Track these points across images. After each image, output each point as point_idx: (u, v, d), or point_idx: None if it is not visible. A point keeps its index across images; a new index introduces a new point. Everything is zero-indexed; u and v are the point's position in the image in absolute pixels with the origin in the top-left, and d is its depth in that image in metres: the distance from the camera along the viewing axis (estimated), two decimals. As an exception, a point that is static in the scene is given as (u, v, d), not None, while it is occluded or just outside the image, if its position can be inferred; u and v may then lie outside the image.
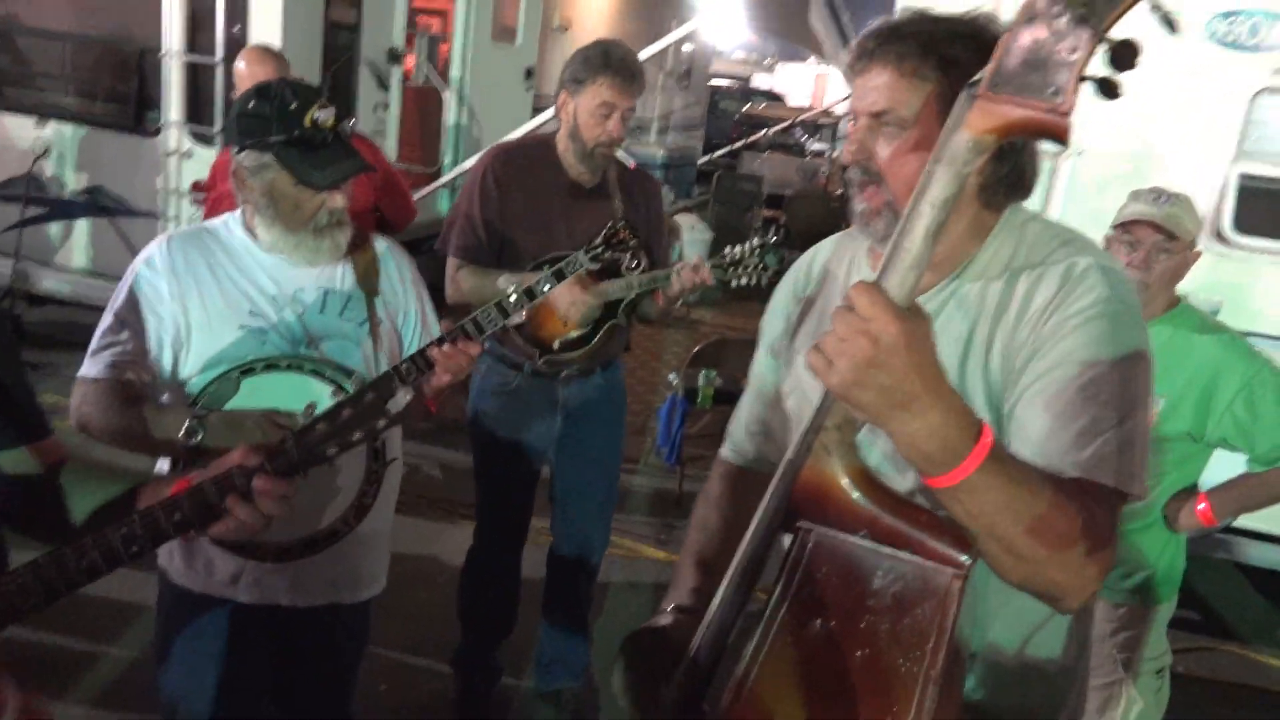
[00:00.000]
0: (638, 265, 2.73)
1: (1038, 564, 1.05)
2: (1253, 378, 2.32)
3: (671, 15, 9.49)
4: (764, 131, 14.13)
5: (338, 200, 1.88)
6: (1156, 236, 2.33)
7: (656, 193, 3.02)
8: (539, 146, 2.86)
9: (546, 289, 2.11)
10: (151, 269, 1.87)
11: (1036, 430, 1.17)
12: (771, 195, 11.31)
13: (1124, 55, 0.89)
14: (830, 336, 0.97)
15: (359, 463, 1.79)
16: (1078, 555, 1.06)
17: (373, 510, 1.83)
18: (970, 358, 1.26)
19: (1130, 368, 1.18)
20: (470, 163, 5.65)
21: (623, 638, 1.34)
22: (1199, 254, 2.43)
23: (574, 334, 2.77)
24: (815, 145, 16.77)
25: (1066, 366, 1.17)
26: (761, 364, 1.61)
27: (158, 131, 5.19)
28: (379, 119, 5.89)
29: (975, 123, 0.94)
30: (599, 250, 2.36)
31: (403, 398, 1.47)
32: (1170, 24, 0.91)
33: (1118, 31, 0.89)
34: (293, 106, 1.82)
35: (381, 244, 2.09)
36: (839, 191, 12.14)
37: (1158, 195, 2.38)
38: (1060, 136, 0.93)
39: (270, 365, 1.79)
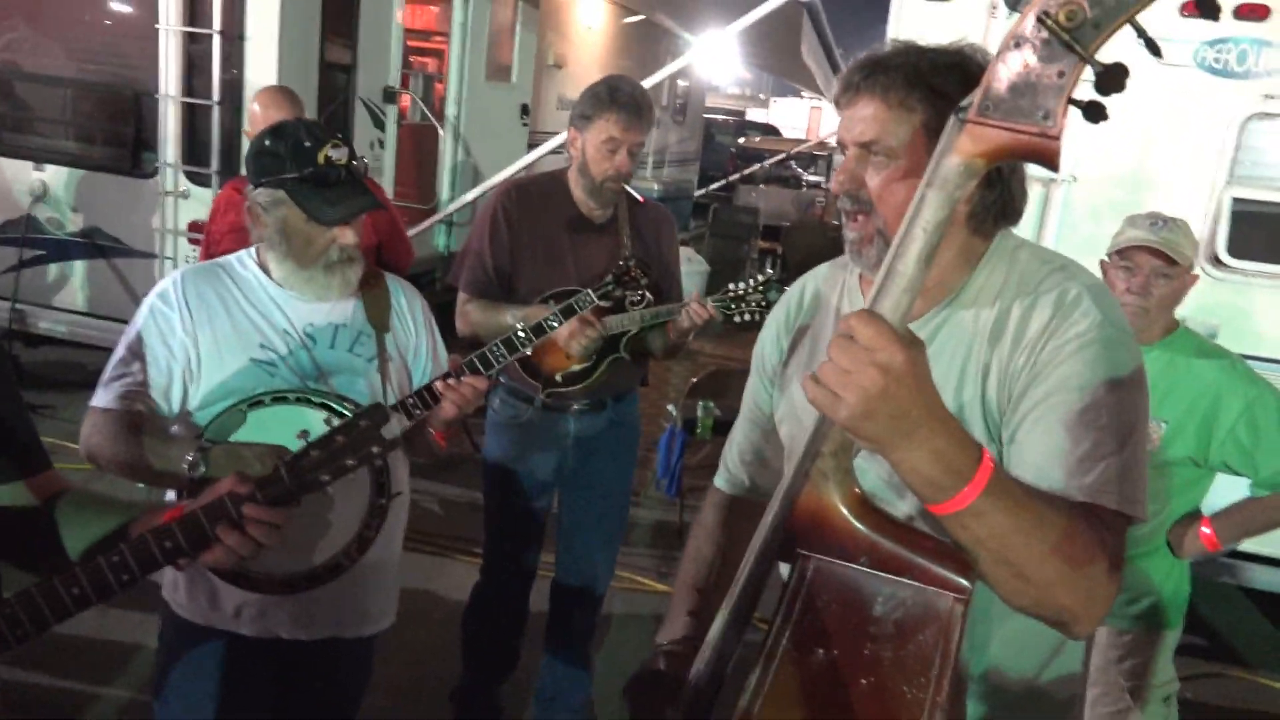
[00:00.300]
0: (642, 300, 2.75)
1: (1048, 588, 1.05)
2: (1254, 401, 2.31)
3: (666, 51, 9.59)
4: (760, 164, 14.23)
5: (349, 236, 1.92)
6: (1155, 262, 2.33)
7: (670, 227, 3.04)
8: (551, 182, 2.89)
9: (556, 325, 2.13)
10: (165, 302, 1.90)
11: (1038, 456, 1.17)
12: (768, 227, 11.36)
13: (1111, 79, 0.89)
14: (830, 368, 0.96)
15: (362, 496, 1.80)
16: (1090, 578, 1.06)
17: (377, 544, 1.83)
18: (966, 385, 1.27)
19: (1127, 391, 1.19)
20: (467, 198, 5.70)
21: (624, 685, 1.34)
22: (1196, 278, 2.43)
23: (576, 367, 2.78)
24: (811, 177, 16.89)
25: (1065, 392, 1.18)
26: (754, 392, 1.61)
27: (154, 173, 5.21)
28: (375, 157, 5.93)
29: (965, 147, 0.94)
30: (609, 288, 2.38)
31: (397, 424, 1.48)
32: (1155, 49, 0.90)
33: (1104, 55, 0.89)
34: (307, 144, 1.87)
35: (393, 281, 2.12)
36: (836, 222, 12.19)
37: (1154, 220, 2.39)
38: (1050, 160, 0.93)
39: (278, 398, 1.81)
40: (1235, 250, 3.69)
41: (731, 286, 2.70)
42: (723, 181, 13.85)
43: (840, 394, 0.95)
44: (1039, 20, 0.90)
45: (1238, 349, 2.53)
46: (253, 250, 2.00)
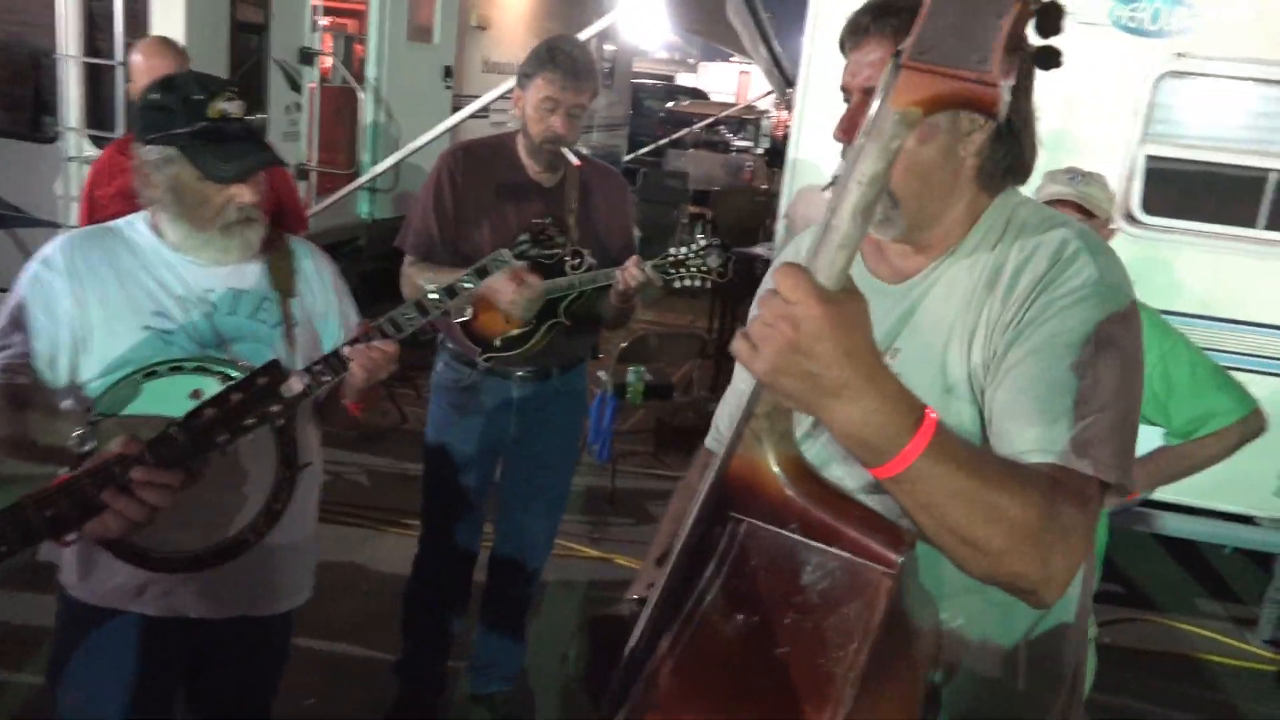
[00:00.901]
0: (581, 264, 2.71)
1: (997, 556, 1.00)
2: (1167, 353, 2.36)
3: (594, 14, 9.44)
4: (688, 129, 14.17)
5: (246, 195, 1.81)
6: (1074, 215, 2.36)
7: (620, 188, 2.99)
8: (498, 144, 2.84)
9: (468, 286, 2.07)
10: (48, 268, 1.78)
11: (1011, 415, 1.12)
12: (698, 192, 11.33)
13: (1049, 19, 0.86)
14: (756, 322, 0.93)
15: (269, 467, 1.72)
16: (1048, 546, 1.00)
17: (287, 518, 1.76)
18: (954, 339, 1.22)
19: (1118, 352, 1.13)
20: (388, 163, 5.56)
21: (587, 620, 1.31)
22: (1114, 231, 2.47)
23: (514, 332, 2.74)
24: (740, 142, 16.88)
25: (1050, 350, 1.12)
26: None
27: (55, 138, 4.98)
28: (291, 121, 5.75)
29: (901, 95, 0.89)
30: (524, 247, 2.32)
31: (297, 383, 1.42)
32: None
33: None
34: (198, 97, 1.75)
35: (299, 244, 2.02)
36: (764, 186, 12.22)
37: (1073, 175, 2.42)
38: (989, 108, 0.88)
39: (175, 367, 1.70)
40: (1150, 207, 3.77)
41: (672, 251, 2.67)
42: (651, 146, 13.76)
43: (758, 346, 0.92)
44: None
45: (1153, 305, 2.58)
46: (145, 213, 1.88)
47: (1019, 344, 1.15)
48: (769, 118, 17.85)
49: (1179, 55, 3.62)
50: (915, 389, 0.98)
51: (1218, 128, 3.78)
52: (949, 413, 1.18)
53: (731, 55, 27.95)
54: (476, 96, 6.02)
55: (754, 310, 0.96)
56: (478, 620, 3.16)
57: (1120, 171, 3.70)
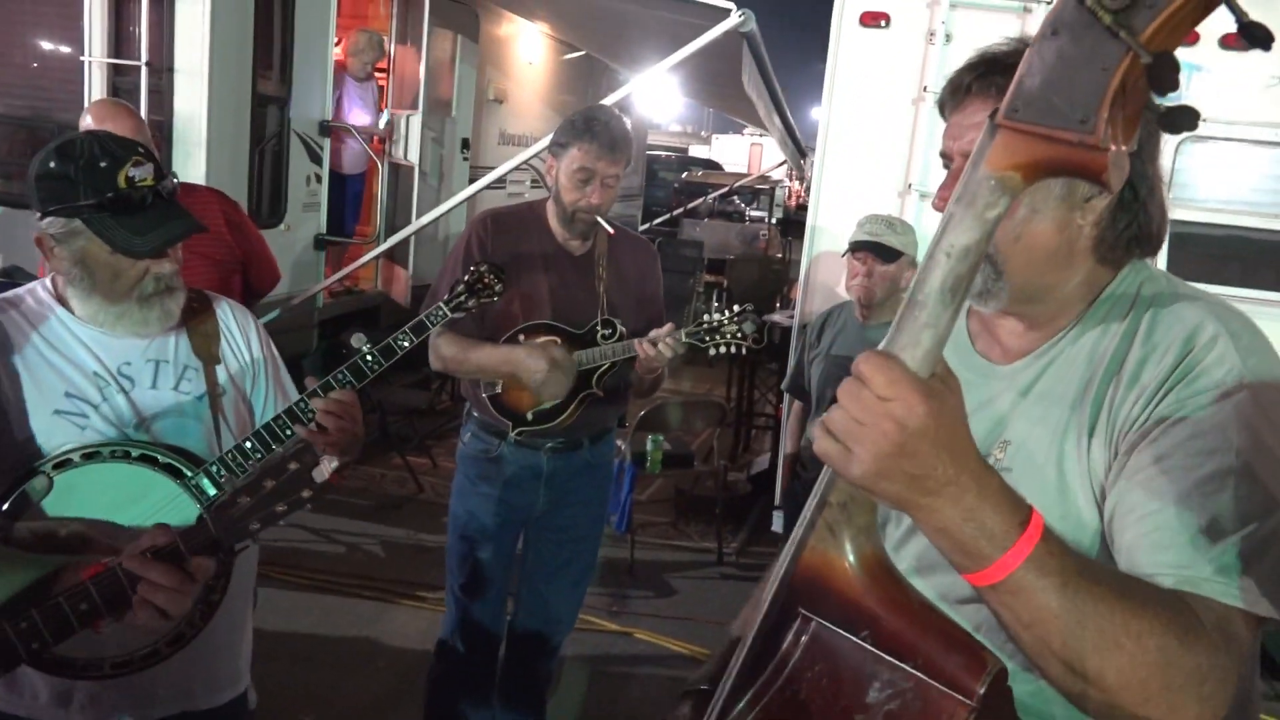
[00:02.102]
0: (613, 333, 2.69)
1: (1112, 694, 0.86)
2: None
3: (607, 87, 9.59)
4: (703, 199, 14.30)
5: (165, 266, 1.65)
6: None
7: (650, 258, 2.97)
8: (528, 213, 2.82)
9: (406, 345, 1.98)
10: None
11: (1137, 530, 0.98)
12: (713, 260, 11.38)
13: (1163, 73, 0.74)
14: (841, 416, 0.83)
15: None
16: (1167, 689, 0.85)
17: (223, 606, 1.61)
18: (1071, 430, 1.10)
19: (1265, 460, 0.97)
20: (406, 232, 5.59)
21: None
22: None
23: (547, 405, 2.70)
24: (754, 212, 17.02)
25: (1185, 455, 0.98)
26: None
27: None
28: (311, 192, 5.80)
29: (996, 158, 0.79)
30: (460, 297, 2.22)
31: (327, 467, 1.38)
32: (1260, 36, 0.74)
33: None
34: (103, 164, 1.57)
35: (223, 307, 1.87)
36: (779, 255, 12.26)
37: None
38: (1096, 175, 0.76)
39: (90, 454, 1.55)
40: (1174, 272, 3.72)
41: (706, 319, 2.67)
42: (666, 216, 13.88)
43: (852, 449, 0.82)
44: (1077, 0, 0.75)
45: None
46: (47, 281, 1.70)
47: (1148, 445, 1.01)
48: (782, 188, 18.02)
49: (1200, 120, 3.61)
50: (1027, 486, 0.89)
51: (1240, 192, 3.76)
52: (1065, 516, 1.08)
53: (744, 127, 28.36)
54: (491, 168, 6.08)
55: (837, 404, 0.85)
56: (496, 694, 3.05)
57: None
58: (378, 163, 6.45)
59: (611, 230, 2.75)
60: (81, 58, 4.81)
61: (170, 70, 4.75)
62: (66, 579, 1.35)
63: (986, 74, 1.13)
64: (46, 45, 5.14)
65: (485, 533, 2.85)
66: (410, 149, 6.54)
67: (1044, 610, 0.85)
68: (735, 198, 16.15)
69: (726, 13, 4.54)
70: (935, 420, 0.81)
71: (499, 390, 2.72)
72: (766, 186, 16.18)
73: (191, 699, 1.78)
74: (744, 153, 32.11)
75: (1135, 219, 1.13)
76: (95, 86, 4.83)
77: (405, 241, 5.97)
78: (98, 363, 1.67)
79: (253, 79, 5.08)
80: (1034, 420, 1.14)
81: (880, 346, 0.84)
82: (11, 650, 1.27)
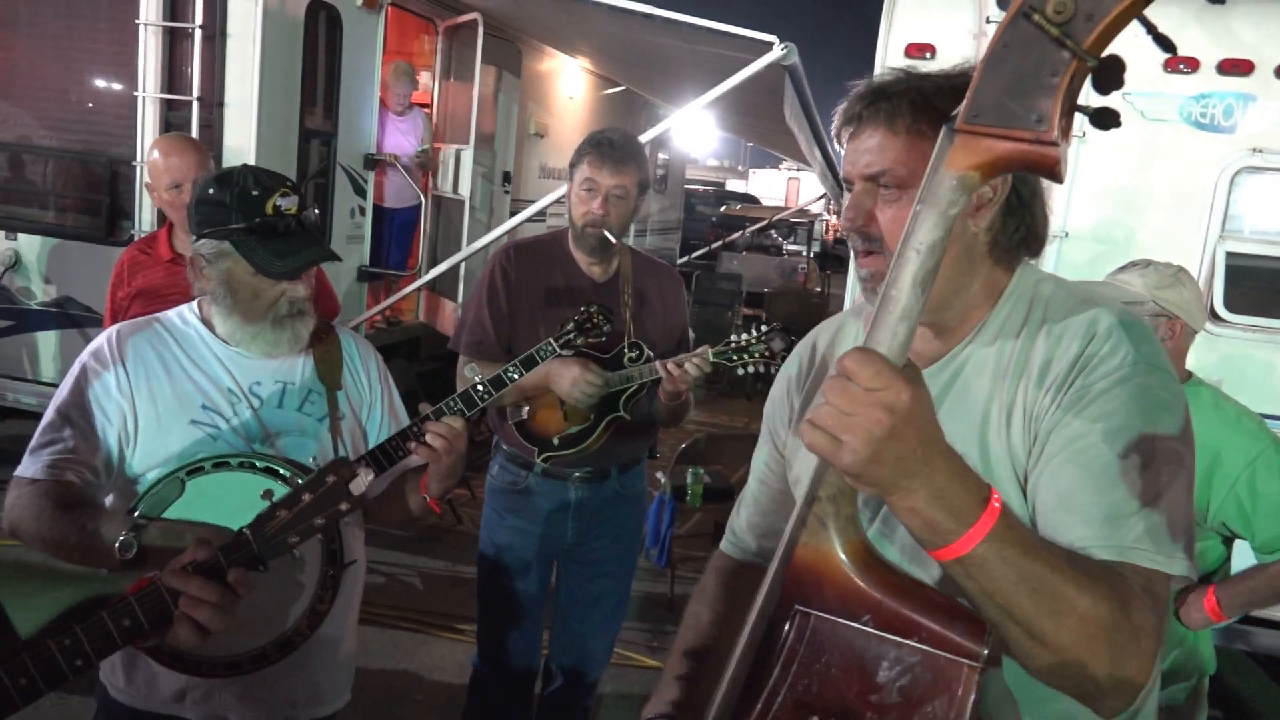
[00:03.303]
0: (640, 357, 2.66)
1: (1064, 652, 0.94)
2: (1257, 458, 2.21)
3: (647, 121, 9.67)
4: (741, 232, 14.33)
5: (299, 290, 1.82)
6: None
7: (674, 284, 2.96)
8: (552, 243, 2.83)
9: (515, 376, 2.03)
10: (99, 360, 1.78)
11: (1061, 507, 1.08)
12: (751, 293, 11.40)
13: (1107, 75, 0.83)
14: (828, 411, 0.89)
15: (314, 565, 1.66)
16: (1111, 646, 0.95)
17: (330, 617, 1.69)
18: (989, 427, 1.18)
19: (1165, 434, 1.08)
20: (448, 264, 5.62)
21: None
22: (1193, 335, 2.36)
23: (573, 429, 2.68)
24: (791, 246, 17.02)
25: (1093, 435, 1.08)
26: (763, 455, 1.53)
27: (130, 240, 5.11)
28: (356, 224, 5.87)
29: (958, 159, 0.88)
30: (570, 335, 2.27)
31: (364, 480, 1.38)
32: (1167, 44, 0.84)
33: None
34: (254, 193, 1.76)
35: (345, 335, 2.02)
36: (818, 289, 12.23)
37: (1155, 274, 2.33)
38: (1049, 169, 0.86)
39: (220, 464, 1.67)
40: (1233, 305, 3.65)
41: (734, 338, 2.62)
42: (704, 250, 13.92)
43: (842, 438, 0.88)
44: (1024, 16, 0.83)
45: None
46: (194, 304, 1.89)
47: (1060, 430, 1.11)
48: (820, 221, 18.01)
49: (1255, 151, 3.55)
50: None
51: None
52: None
53: (781, 162, 28.43)
54: (532, 201, 6.12)
55: (823, 400, 0.91)
56: (533, 733, 3.02)
57: (1200, 269, 3.60)
58: (420, 196, 6.51)
59: (613, 239, 2.69)
60: (135, 93, 4.92)
61: (221, 105, 4.85)
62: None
63: (874, 101, 1.20)
64: (101, 82, 5.27)
65: (514, 566, 2.83)
66: (462, 183, 6.61)
67: (1004, 580, 0.92)
68: (773, 231, 16.17)
69: (769, 46, 4.55)
70: (918, 405, 0.88)
71: (525, 416, 2.70)
72: (805, 220, 16.19)
73: (295, 707, 1.87)
74: (781, 187, 32.19)
75: (1023, 221, 1.21)
76: (148, 121, 4.93)
77: (452, 274, 6.00)
78: (232, 380, 1.82)
79: (300, 114, 5.17)
80: (955, 417, 1.20)
81: (862, 342, 0.92)
82: (56, 667, 1.26)
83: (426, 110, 6.87)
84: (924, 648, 0.91)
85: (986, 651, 0.91)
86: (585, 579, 2.91)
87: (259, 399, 1.83)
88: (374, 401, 1.99)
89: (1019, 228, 1.21)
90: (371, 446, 1.90)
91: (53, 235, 5.25)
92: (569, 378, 2.53)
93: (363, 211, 5.92)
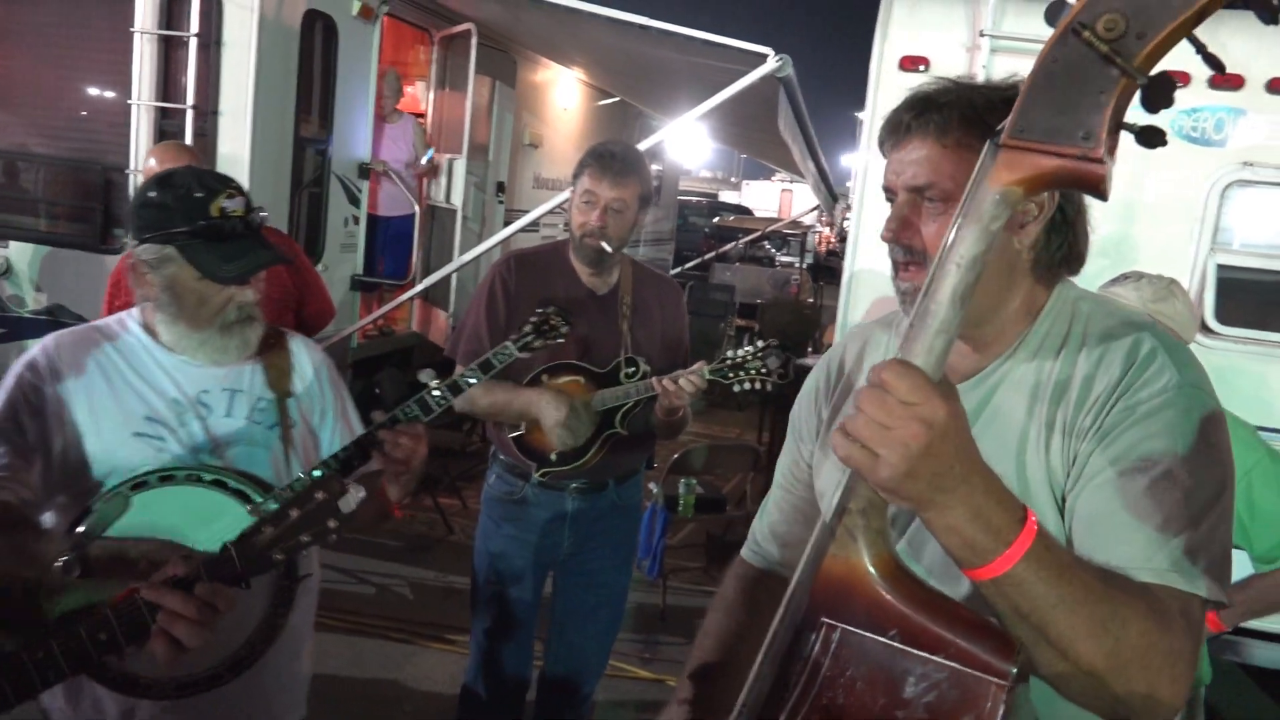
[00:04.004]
0: (636, 372, 2.65)
1: (1098, 675, 0.93)
2: (1252, 469, 2.22)
3: (640, 131, 9.69)
4: (734, 243, 14.35)
5: (248, 294, 1.75)
6: None
7: (674, 296, 2.95)
8: (552, 253, 2.82)
9: (472, 382, 2.00)
10: (33, 373, 1.68)
11: (1100, 530, 1.07)
12: (744, 305, 11.40)
13: (1156, 94, 0.83)
14: (864, 422, 0.87)
15: (268, 580, 1.58)
16: (1148, 669, 0.94)
17: (286, 632, 1.63)
18: (1028, 445, 1.17)
19: (1205, 459, 1.07)
20: (441, 274, 5.62)
21: None
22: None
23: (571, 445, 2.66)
24: (784, 257, 17.04)
25: (1134, 459, 1.07)
26: (789, 461, 1.52)
27: (123, 249, 5.10)
28: (349, 233, 5.86)
29: (1001, 174, 0.87)
30: (528, 338, 2.23)
31: (354, 497, 1.36)
32: (1216, 64, 0.84)
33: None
34: (198, 195, 1.69)
35: (296, 342, 1.95)
36: (810, 300, 12.25)
37: (1151, 287, 2.34)
38: (1095, 186, 0.85)
39: (166, 477, 1.61)
40: (1224, 317, 3.66)
41: (730, 355, 2.62)
42: (697, 260, 13.93)
43: (879, 451, 0.86)
44: (1073, 33, 0.83)
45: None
46: (135, 311, 1.81)
47: (1101, 451, 1.10)
48: (813, 233, 18.05)
49: (1245, 164, 3.57)
50: None
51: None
52: None
53: (774, 173, 28.53)
54: (526, 211, 6.12)
55: (858, 411, 0.89)
56: (526, 745, 3.00)
57: (1191, 282, 3.61)
58: (415, 205, 6.51)
59: (609, 249, 2.68)
60: (129, 101, 4.91)
61: (215, 113, 4.83)
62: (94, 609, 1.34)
63: (923, 112, 1.18)
64: (95, 89, 5.26)
65: (510, 575, 2.82)
66: (454, 192, 6.61)
67: (1040, 600, 0.90)
68: (766, 243, 16.19)
69: (764, 58, 4.57)
70: (955, 421, 0.87)
71: (523, 431, 2.69)
72: (797, 232, 16.22)
73: None
74: (774, 198, 32.26)
75: (1066, 239, 1.20)
76: (142, 129, 4.92)
77: (444, 283, 5.99)
78: (178, 389, 1.75)
79: (295, 122, 5.16)
80: (989, 436, 1.17)
81: (897, 354, 0.90)
82: (28, 680, 1.25)
83: (420, 120, 6.88)
84: (951, 664, 0.90)
85: (1015, 670, 0.90)
86: (582, 589, 2.90)
87: (206, 409, 1.76)
88: (325, 409, 1.93)
89: (1062, 245, 1.20)
90: (325, 456, 1.84)
91: (45, 243, 5.22)
92: (554, 418, 2.52)
93: (356, 221, 5.91)
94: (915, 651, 0.91)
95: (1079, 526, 1.10)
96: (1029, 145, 0.85)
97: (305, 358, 1.92)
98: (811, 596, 0.97)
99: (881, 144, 1.24)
